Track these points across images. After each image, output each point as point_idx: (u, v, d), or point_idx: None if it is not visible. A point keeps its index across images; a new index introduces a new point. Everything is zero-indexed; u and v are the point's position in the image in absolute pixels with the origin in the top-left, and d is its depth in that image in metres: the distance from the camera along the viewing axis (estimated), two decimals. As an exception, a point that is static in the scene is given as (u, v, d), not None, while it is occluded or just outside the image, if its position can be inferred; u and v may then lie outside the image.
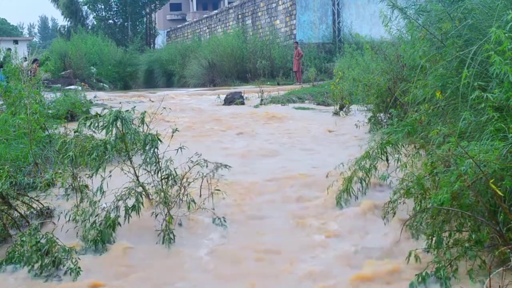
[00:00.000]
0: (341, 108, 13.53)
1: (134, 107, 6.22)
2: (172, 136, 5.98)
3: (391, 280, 4.56)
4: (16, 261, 5.02)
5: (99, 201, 5.65)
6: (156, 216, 5.69)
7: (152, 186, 5.97)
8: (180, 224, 5.84)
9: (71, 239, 5.53)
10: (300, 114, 14.25)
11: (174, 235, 5.53)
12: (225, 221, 5.93)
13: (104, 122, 5.65)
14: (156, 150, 5.80)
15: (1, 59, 24.97)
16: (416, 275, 4.21)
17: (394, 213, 5.43)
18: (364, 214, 5.95)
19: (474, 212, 4.19)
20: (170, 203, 5.80)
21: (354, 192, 6.20)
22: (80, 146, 5.83)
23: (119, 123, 5.67)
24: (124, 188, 5.72)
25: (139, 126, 5.85)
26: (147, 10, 49.55)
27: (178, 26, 49.30)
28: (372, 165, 6.08)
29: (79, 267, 4.85)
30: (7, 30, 61.90)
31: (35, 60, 24.53)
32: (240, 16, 35.52)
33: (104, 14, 48.79)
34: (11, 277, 4.93)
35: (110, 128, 5.61)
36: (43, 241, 5.02)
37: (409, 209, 5.33)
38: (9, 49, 27.49)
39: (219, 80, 29.06)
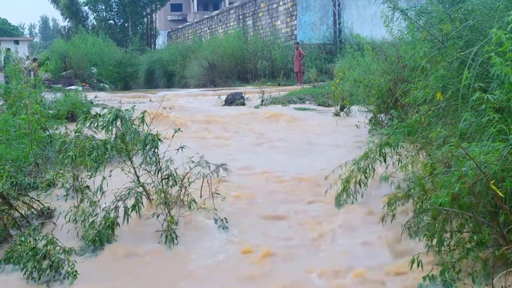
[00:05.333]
0: (341, 109, 13.52)
1: (134, 106, 6.22)
2: (173, 136, 5.98)
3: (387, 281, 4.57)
4: (15, 262, 5.01)
5: (98, 201, 5.65)
6: (157, 216, 5.68)
7: (153, 187, 5.97)
8: (176, 223, 5.83)
9: (71, 239, 5.53)
10: (300, 115, 14.24)
11: (176, 235, 5.54)
12: (227, 222, 5.93)
13: (104, 121, 5.65)
14: (156, 150, 5.79)
15: (2, 60, 25.01)
16: (423, 277, 4.20)
17: (394, 215, 5.43)
18: (362, 214, 5.96)
19: (474, 213, 4.18)
20: (170, 204, 5.80)
21: (352, 193, 6.21)
22: (80, 146, 5.83)
23: (118, 122, 5.67)
24: (125, 188, 5.72)
25: (139, 125, 5.85)
26: (148, 11, 49.55)
27: (179, 26, 49.29)
28: (370, 166, 6.09)
29: (75, 271, 4.84)
30: (7, 30, 61.82)
31: (34, 59, 24.63)
32: (241, 17, 35.51)
33: (104, 15, 48.80)
34: (9, 278, 4.93)
35: (110, 127, 5.60)
36: (42, 242, 5.01)
37: (408, 210, 5.34)
38: (9, 49, 27.52)
39: (219, 80, 29.04)
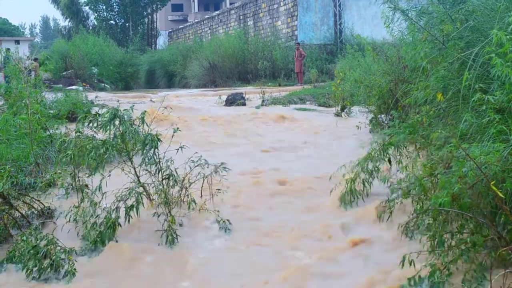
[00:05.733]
0: (342, 109, 13.52)
1: (133, 105, 6.23)
2: (173, 136, 5.98)
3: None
4: (17, 261, 5.03)
5: (99, 202, 5.65)
6: (158, 216, 5.68)
7: (153, 187, 5.97)
8: (180, 225, 5.84)
9: (71, 239, 5.54)
10: (301, 115, 14.25)
11: (177, 236, 5.54)
12: (230, 223, 5.92)
13: (102, 120, 5.65)
14: (156, 150, 5.79)
15: (2, 59, 25.03)
16: (408, 278, 4.18)
17: (391, 213, 5.43)
18: (364, 215, 5.95)
19: (474, 213, 4.18)
20: (171, 204, 5.80)
21: (357, 194, 6.21)
22: (79, 146, 5.83)
23: (117, 122, 5.67)
24: (125, 188, 5.72)
25: (139, 125, 5.85)
26: (149, 11, 49.59)
27: (180, 26, 49.32)
28: (374, 167, 6.09)
29: (74, 269, 4.85)
30: (8, 30, 61.91)
31: (35, 59, 24.69)
32: (241, 17, 35.53)
33: (105, 15, 48.84)
34: (11, 277, 4.94)
35: (108, 127, 5.60)
36: (43, 242, 5.01)
37: (406, 210, 5.33)
38: (8, 49, 27.54)
39: (220, 80, 29.05)
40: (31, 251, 4.89)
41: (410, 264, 4.19)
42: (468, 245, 4.14)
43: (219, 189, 6.39)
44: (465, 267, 4.13)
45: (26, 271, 4.86)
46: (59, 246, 5.04)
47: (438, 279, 4.06)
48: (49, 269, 4.86)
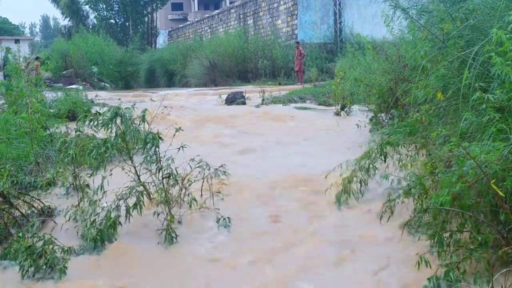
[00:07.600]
0: (342, 108, 13.50)
1: (134, 104, 6.22)
2: (174, 135, 5.98)
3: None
4: (11, 258, 5.02)
5: (99, 200, 5.65)
6: (158, 215, 5.69)
7: (153, 185, 5.97)
8: (179, 222, 5.84)
9: (71, 238, 5.54)
10: (301, 114, 14.24)
11: (176, 235, 5.54)
12: (229, 221, 5.92)
13: (104, 119, 5.65)
14: (157, 149, 5.79)
15: (2, 58, 25.04)
16: (428, 279, 4.19)
17: (392, 212, 5.44)
18: (363, 213, 5.96)
19: (475, 212, 4.18)
20: (171, 203, 5.80)
21: (354, 192, 6.22)
22: (80, 145, 5.83)
23: (118, 121, 5.67)
24: (125, 187, 5.72)
25: (139, 124, 5.85)
26: (149, 10, 49.60)
27: (180, 25, 49.32)
28: (371, 165, 6.09)
29: (65, 267, 4.84)
30: (8, 29, 61.93)
31: (37, 58, 24.69)
32: (241, 16, 35.52)
33: (105, 14, 48.84)
34: (6, 274, 4.94)
35: (110, 126, 5.60)
36: (40, 242, 5.00)
37: (408, 209, 5.34)
38: (9, 48, 27.53)
39: (220, 80, 29.04)
40: (27, 251, 4.86)
41: (427, 265, 4.20)
42: (475, 244, 4.15)
43: (219, 192, 6.39)
44: (473, 266, 4.14)
45: (22, 271, 4.85)
46: (57, 245, 5.04)
47: (453, 277, 4.07)
48: (44, 268, 4.85)
